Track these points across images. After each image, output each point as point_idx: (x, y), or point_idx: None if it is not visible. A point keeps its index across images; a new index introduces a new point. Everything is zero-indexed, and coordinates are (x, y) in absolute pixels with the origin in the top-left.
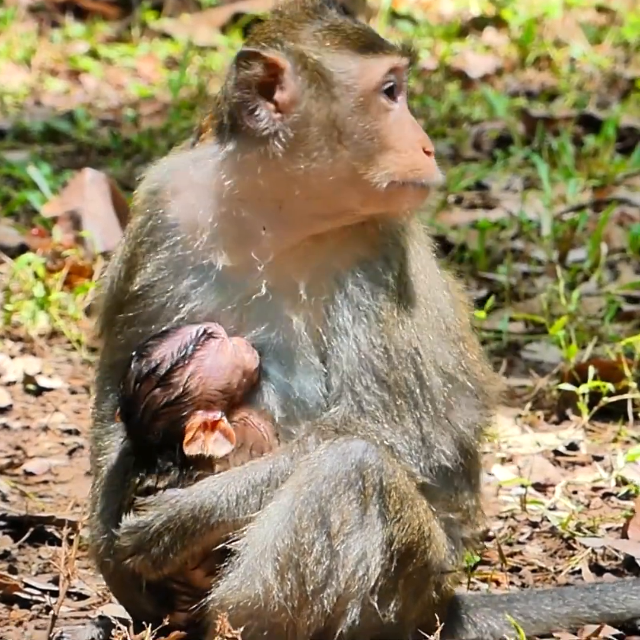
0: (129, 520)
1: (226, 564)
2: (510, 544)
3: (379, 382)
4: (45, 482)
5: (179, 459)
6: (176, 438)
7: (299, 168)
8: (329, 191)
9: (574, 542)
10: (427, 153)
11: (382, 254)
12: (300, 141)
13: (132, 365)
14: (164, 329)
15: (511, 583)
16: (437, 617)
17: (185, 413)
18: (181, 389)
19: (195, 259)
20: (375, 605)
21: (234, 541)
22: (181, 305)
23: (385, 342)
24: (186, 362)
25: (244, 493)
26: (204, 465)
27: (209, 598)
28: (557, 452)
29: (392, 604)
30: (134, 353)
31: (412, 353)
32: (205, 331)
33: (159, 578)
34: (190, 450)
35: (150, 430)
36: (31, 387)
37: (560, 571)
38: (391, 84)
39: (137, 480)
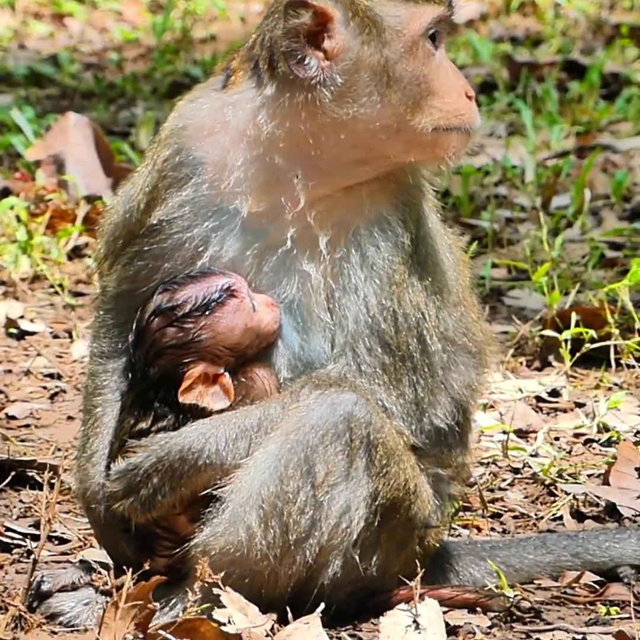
0: (119, 465)
1: (211, 509)
2: (491, 490)
3: (381, 344)
4: (27, 426)
5: (174, 405)
6: (174, 382)
7: (347, 113)
8: (375, 137)
9: (556, 488)
10: (469, 98)
11: (401, 214)
12: (350, 87)
13: (155, 296)
14: (196, 271)
15: (492, 529)
16: (419, 567)
17: (189, 359)
18: (191, 336)
19: (220, 201)
20: (357, 558)
21: (220, 487)
22: (200, 247)
23: (394, 305)
24: (205, 313)
25: (233, 436)
26: (199, 415)
27: (191, 543)
28: (539, 399)
29: (374, 557)
30: (160, 286)
31: (419, 317)
32: (228, 287)
33: (147, 522)
34: (185, 398)
35: (152, 365)
36: (13, 330)
37: (542, 517)
38: (434, 30)
39: (131, 420)
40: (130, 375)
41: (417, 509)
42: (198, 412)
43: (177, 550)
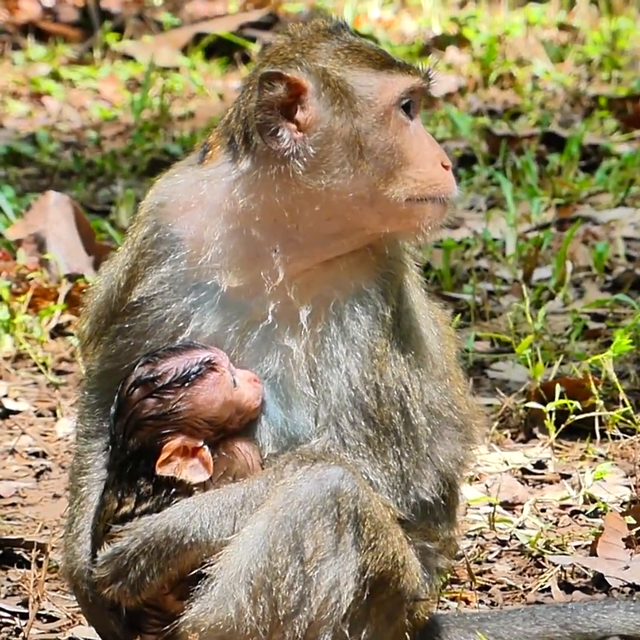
0: (105, 550)
1: (200, 586)
2: (479, 563)
3: (365, 418)
4: (13, 504)
5: (153, 480)
6: (153, 454)
7: (320, 184)
8: (349, 209)
9: (543, 560)
10: (445, 167)
11: (381, 287)
12: (322, 158)
13: (136, 368)
14: (178, 344)
15: (481, 602)
16: None
17: (167, 431)
18: (170, 407)
19: (198, 277)
20: (347, 632)
21: (208, 565)
22: (180, 324)
23: (376, 379)
24: (184, 385)
25: (217, 514)
26: (179, 488)
27: (181, 620)
28: (524, 471)
29: (364, 632)
30: (142, 357)
31: (402, 391)
32: (209, 360)
33: (137, 605)
34: (163, 470)
35: (131, 437)
36: None
37: (530, 589)
38: (408, 100)
39: (114, 504)
40: (110, 448)
41: (405, 582)
42: (177, 486)
43: (166, 628)
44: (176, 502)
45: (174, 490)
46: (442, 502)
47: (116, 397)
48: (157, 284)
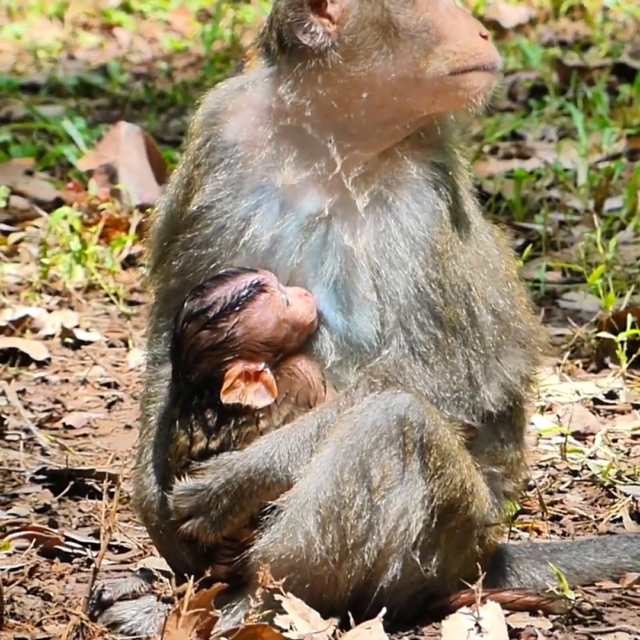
0: (185, 483)
1: (269, 516)
2: (550, 493)
3: (433, 318)
4: (85, 435)
5: (220, 410)
6: (216, 385)
7: (362, 70)
8: (397, 91)
9: (615, 490)
10: (484, 37)
11: (436, 183)
12: (359, 45)
13: (185, 303)
14: (222, 272)
15: (552, 532)
16: (480, 569)
17: (227, 359)
18: (225, 335)
19: (254, 179)
20: (417, 560)
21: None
22: (240, 228)
23: (441, 277)
24: (236, 310)
25: (295, 450)
26: (245, 415)
27: (250, 551)
28: (596, 401)
29: (434, 559)
30: (189, 292)
31: (465, 289)
32: (258, 282)
33: (216, 540)
34: (228, 398)
35: (192, 371)
36: (69, 340)
37: (601, 519)
38: None
39: (184, 438)
40: (173, 384)
41: (475, 509)
42: (243, 412)
43: (237, 557)
44: (246, 432)
45: (241, 419)
46: (509, 420)
47: (171, 334)
48: (215, 191)
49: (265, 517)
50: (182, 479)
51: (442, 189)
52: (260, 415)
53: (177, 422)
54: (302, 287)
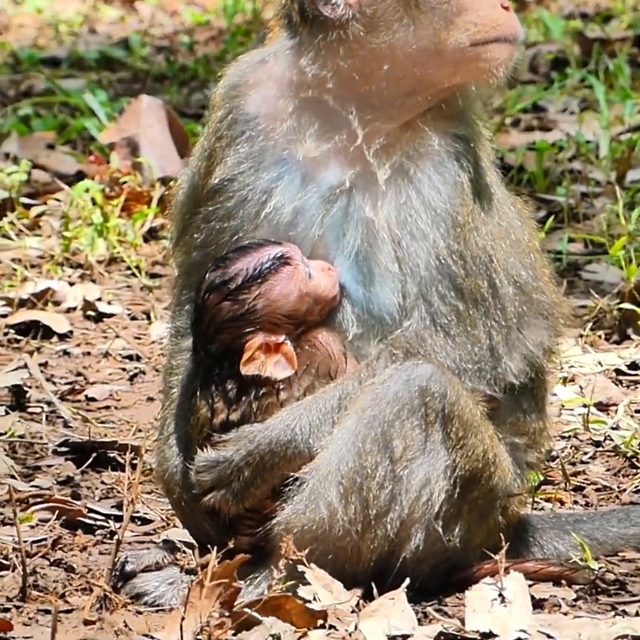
0: (206, 455)
1: (291, 487)
2: (573, 464)
3: (454, 289)
4: (107, 407)
5: (240, 381)
6: (237, 356)
7: (383, 42)
8: (418, 63)
9: (638, 460)
10: (505, 8)
11: (457, 153)
12: (380, 16)
13: (208, 274)
14: (246, 243)
15: (575, 502)
16: (503, 539)
17: (248, 330)
18: (247, 307)
19: (276, 152)
20: (440, 530)
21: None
22: (262, 200)
23: (462, 248)
24: (258, 282)
25: (317, 422)
26: (265, 386)
27: (273, 522)
28: (618, 371)
29: (456, 529)
30: (212, 263)
31: (486, 260)
32: (282, 255)
33: (238, 512)
34: (248, 369)
35: (213, 342)
36: (91, 313)
37: (624, 490)
38: None
39: (205, 410)
40: (194, 355)
41: (497, 479)
42: (263, 385)
43: (260, 528)
44: (267, 403)
45: (261, 390)
46: (531, 391)
47: (193, 305)
48: (236, 164)
49: (287, 489)
50: (204, 451)
51: (464, 161)
52: (281, 386)
53: (198, 394)
54: (323, 259)
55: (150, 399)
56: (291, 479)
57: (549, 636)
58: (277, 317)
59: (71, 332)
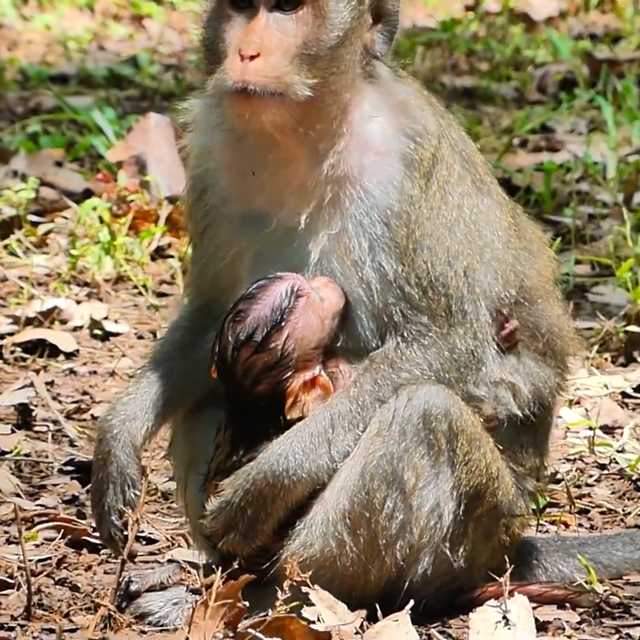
0: (211, 504)
1: (299, 524)
2: (578, 486)
3: (412, 308)
4: None
5: (280, 422)
6: (277, 401)
7: None
8: None
9: None
10: (242, 56)
11: (386, 177)
12: None
13: (228, 333)
14: (249, 290)
15: (580, 525)
16: (507, 561)
17: (285, 377)
18: (280, 353)
19: (221, 204)
20: (447, 551)
21: (310, 498)
22: (228, 250)
23: (408, 269)
24: (281, 325)
25: (310, 446)
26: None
27: (281, 556)
28: (624, 394)
29: (462, 549)
30: (225, 320)
31: (444, 280)
32: (291, 289)
33: (253, 551)
34: (293, 414)
35: (252, 395)
36: (98, 332)
37: (629, 513)
38: None
39: (225, 449)
40: (227, 409)
41: (501, 494)
42: (300, 420)
43: (267, 564)
44: None
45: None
46: (531, 426)
47: (218, 362)
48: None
49: (295, 528)
50: (211, 500)
51: (409, 168)
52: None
53: (224, 436)
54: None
55: None
56: (298, 513)
57: None
58: (308, 353)
59: (78, 350)
